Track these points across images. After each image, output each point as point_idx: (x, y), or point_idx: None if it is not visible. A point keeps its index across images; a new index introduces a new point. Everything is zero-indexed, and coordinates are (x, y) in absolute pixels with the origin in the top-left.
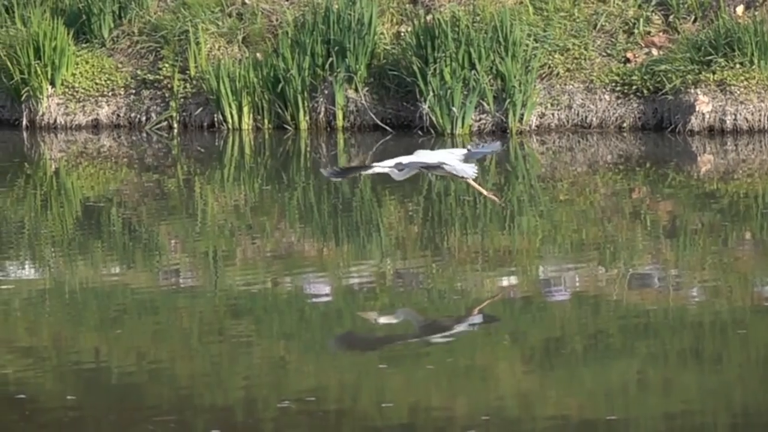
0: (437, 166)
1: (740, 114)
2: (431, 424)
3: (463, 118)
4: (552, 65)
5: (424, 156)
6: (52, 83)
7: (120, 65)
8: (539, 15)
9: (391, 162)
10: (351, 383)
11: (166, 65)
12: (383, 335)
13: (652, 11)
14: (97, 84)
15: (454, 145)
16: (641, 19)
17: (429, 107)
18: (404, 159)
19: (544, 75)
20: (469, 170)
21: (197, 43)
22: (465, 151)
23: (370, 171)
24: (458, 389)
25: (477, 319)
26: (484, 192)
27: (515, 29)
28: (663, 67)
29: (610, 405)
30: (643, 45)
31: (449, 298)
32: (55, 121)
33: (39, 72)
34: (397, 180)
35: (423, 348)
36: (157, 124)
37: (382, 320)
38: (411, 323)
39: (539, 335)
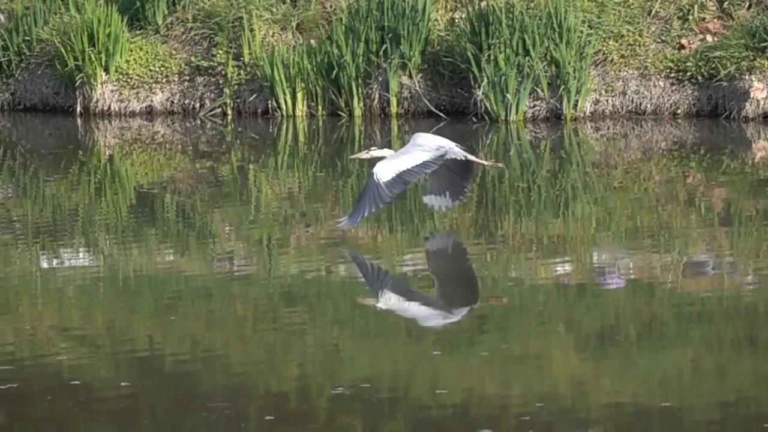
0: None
1: None
2: (485, 411)
3: (517, 104)
4: (606, 51)
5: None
6: (106, 70)
7: (174, 52)
8: (593, 1)
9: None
10: (405, 370)
11: (220, 52)
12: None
13: None
14: (151, 71)
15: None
16: (696, 6)
17: (483, 94)
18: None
19: (598, 61)
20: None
21: (251, 30)
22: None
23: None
24: (512, 376)
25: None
26: (486, 163)
27: (569, 15)
28: (717, 53)
29: (665, 392)
30: (697, 31)
31: (503, 285)
32: (109, 107)
33: (93, 59)
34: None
35: (477, 335)
36: (211, 110)
37: (381, 306)
38: (408, 309)
39: (593, 322)
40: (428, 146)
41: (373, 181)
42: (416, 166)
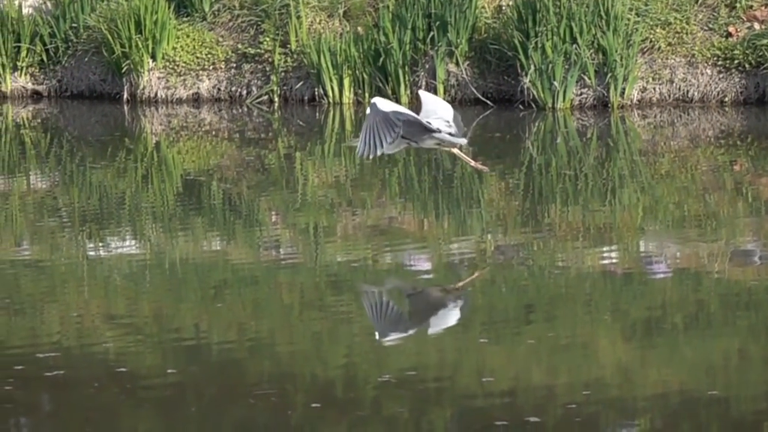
0: (430, 133)
1: None
2: (532, 400)
3: (565, 92)
4: (654, 39)
5: (430, 113)
6: (153, 57)
7: (221, 39)
8: None
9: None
10: (451, 358)
11: (267, 39)
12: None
13: None
14: (197, 58)
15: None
16: None
17: (530, 81)
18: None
19: (645, 49)
20: (458, 140)
21: (298, 17)
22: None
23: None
24: (559, 365)
25: (458, 296)
26: (472, 163)
27: (617, 3)
28: (765, 41)
29: (712, 381)
30: (745, 19)
31: (550, 273)
32: (156, 95)
33: (140, 46)
34: (388, 152)
35: (524, 323)
36: (257, 98)
37: (369, 290)
38: (400, 293)
39: (640, 311)
40: (434, 117)
41: (377, 109)
42: (410, 117)
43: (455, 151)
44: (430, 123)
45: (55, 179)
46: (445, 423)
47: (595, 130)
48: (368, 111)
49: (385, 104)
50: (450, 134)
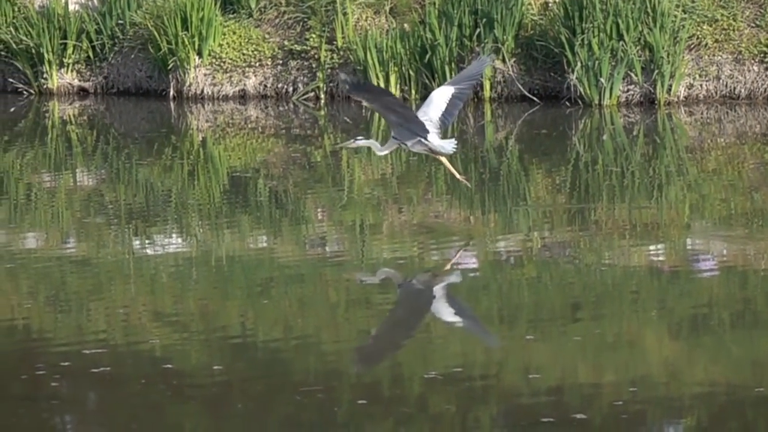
0: (418, 138)
1: None
2: (578, 397)
3: (611, 89)
4: (700, 36)
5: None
6: (200, 54)
7: (267, 36)
8: None
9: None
10: (497, 354)
11: (314, 36)
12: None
13: None
14: (244, 54)
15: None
16: None
17: (577, 78)
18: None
19: (692, 46)
20: (448, 146)
21: (344, 14)
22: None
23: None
24: (605, 361)
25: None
26: (456, 174)
27: (663, 0)
28: None
29: (758, 378)
30: None
31: (596, 270)
32: (202, 91)
33: (186, 43)
34: (379, 154)
35: (570, 320)
36: (304, 94)
37: (364, 279)
38: (392, 281)
39: (686, 307)
40: (423, 117)
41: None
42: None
43: (442, 159)
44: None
45: (102, 176)
46: (492, 420)
47: (641, 127)
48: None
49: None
50: (434, 143)
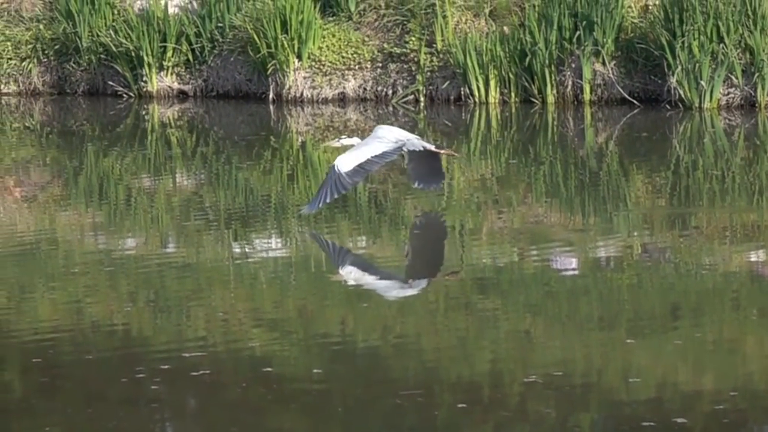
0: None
1: None
2: (679, 399)
3: (711, 92)
4: None
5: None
6: (299, 57)
7: (366, 39)
8: None
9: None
10: (597, 357)
11: (413, 39)
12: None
13: None
14: (343, 57)
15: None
16: None
17: (677, 81)
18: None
19: None
20: (431, 146)
21: (444, 17)
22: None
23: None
24: (706, 365)
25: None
26: (441, 151)
27: (764, 2)
28: None
29: None
30: None
31: (697, 273)
32: (302, 94)
33: (286, 45)
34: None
35: (670, 322)
36: (403, 97)
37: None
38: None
39: None
40: (387, 138)
41: (334, 171)
42: (375, 156)
43: (429, 146)
44: (394, 142)
45: (201, 179)
46: (592, 424)
47: (742, 130)
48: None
49: (346, 162)
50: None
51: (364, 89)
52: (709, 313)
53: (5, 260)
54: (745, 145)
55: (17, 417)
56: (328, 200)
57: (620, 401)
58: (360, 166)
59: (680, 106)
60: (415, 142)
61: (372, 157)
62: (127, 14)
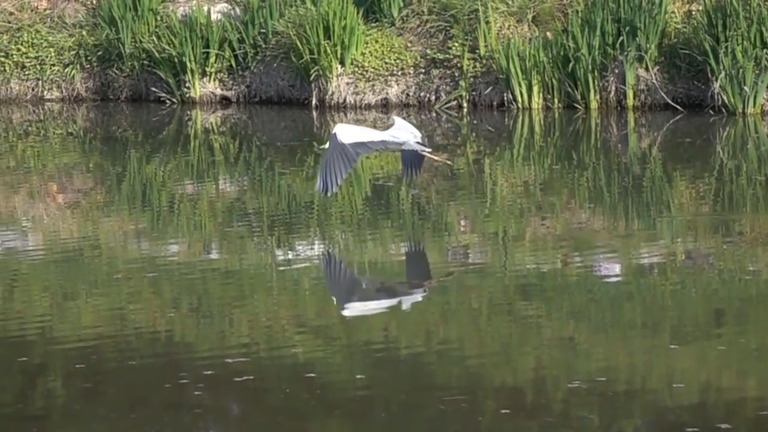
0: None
1: None
2: (723, 406)
3: (755, 97)
4: None
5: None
6: (342, 63)
7: (409, 44)
8: None
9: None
10: (641, 363)
11: (456, 44)
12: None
13: None
14: (386, 63)
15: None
16: None
17: (720, 86)
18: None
19: None
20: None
21: (487, 22)
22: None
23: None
24: (750, 371)
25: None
26: (436, 158)
27: None
28: None
29: None
30: None
31: (740, 279)
32: (345, 100)
33: (328, 51)
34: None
35: (714, 328)
36: (446, 103)
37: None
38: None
39: None
40: (397, 133)
41: (337, 141)
42: (373, 142)
43: (425, 152)
44: (396, 137)
45: (244, 185)
46: (635, 429)
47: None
48: (328, 143)
49: (346, 134)
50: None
51: (407, 95)
52: (753, 319)
53: (49, 266)
54: None
55: (61, 423)
56: (340, 180)
57: (664, 407)
58: (360, 141)
59: (724, 111)
60: (413, 143)
61: (372, 140)
62: (170, 20)
